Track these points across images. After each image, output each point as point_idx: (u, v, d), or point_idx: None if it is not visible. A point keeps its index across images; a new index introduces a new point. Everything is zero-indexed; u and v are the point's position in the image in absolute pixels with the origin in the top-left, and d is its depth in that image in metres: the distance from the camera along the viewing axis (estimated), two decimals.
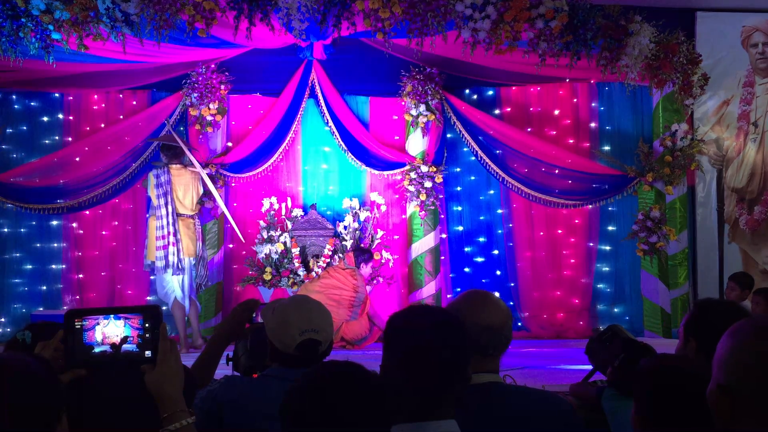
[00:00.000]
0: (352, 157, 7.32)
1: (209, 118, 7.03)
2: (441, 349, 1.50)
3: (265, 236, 7.20)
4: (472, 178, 7.73)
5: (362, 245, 7.20)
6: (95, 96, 7.35)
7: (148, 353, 1.54)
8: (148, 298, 7.32)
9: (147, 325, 1.55)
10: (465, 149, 7.54)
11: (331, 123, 7.30)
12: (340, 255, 7.14)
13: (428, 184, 7.20)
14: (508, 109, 7.65)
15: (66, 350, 1.53)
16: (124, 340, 1.54)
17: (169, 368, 1.53)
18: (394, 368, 1.52)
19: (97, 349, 1.53)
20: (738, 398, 1.16)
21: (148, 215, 6.56)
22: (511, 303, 7.45)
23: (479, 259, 7.74)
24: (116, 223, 7.41)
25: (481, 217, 7.73)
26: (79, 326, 1.53)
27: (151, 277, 6.97)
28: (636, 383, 1.89)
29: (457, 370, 1.52)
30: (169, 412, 1.49)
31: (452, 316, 1.58)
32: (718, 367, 1.21)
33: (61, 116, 7.36)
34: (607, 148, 7.55)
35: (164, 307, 6.18)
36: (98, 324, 1.53)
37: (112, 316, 1.55)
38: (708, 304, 2.33)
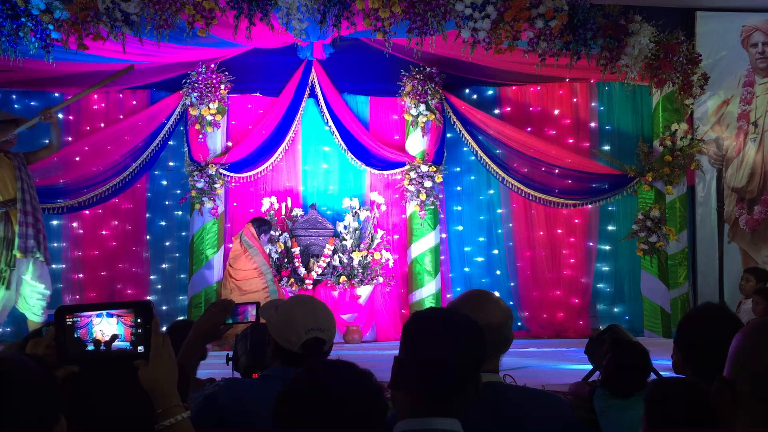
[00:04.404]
0: (352, 156, 7.31)
1: (209, 117, 7.03)
2: (459, 358, 1.50)
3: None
4: (472, 177, 7.73)
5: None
6: (95, 96, 7.35)
7: (140, 348, 1.53)
8: (148, 297, 7.32)
9: (139, 320, 1.54)
10: (465, 149, 7.54)
11: (330, 123, 7.30)
12: (340, 254, 7.14)
13: (428, 183, 7.19)
14: (508, 109, 7.65)
15: (58, 347, 1.52)
16: (113, 339, 1.53)
17: (162, 363, 1.52)
18: (408, 366, 1.52)
19: (89, 346, 1.52)
20: (738, 393, 1.17)
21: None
22: (511, 303, 7.45)
23: (479, 259, 7.73)
24: (116, 223, 7.41)
25: (481, 217, 7.73)
26: (70, 323, 1.52)
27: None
28: (647, 406, 1.99)
29: (471, 377, 1.52)
30: (164, 408, 1.49)
31: (474, 325, 1.57)
32: (727, 363, 1.23)
33: (61, 116, 7.34)
34: (606, 147, 7.55)
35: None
36: (90, 321, 1.53)
37: (104, 312, 1.54)
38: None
